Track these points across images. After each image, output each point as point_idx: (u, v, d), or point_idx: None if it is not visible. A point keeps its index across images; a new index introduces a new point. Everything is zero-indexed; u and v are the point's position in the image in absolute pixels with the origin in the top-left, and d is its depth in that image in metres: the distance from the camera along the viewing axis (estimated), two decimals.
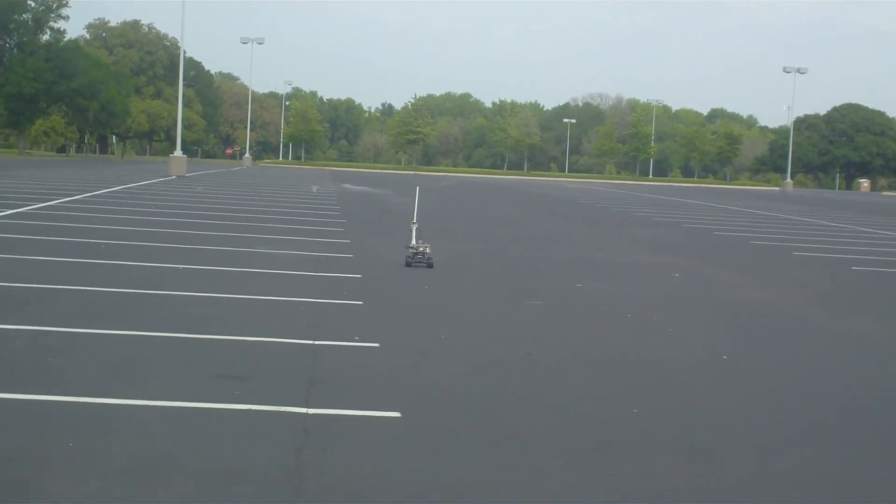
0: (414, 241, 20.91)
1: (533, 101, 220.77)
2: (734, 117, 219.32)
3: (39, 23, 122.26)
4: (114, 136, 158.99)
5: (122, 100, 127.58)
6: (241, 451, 7.82)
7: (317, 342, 12.22)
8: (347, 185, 68.67)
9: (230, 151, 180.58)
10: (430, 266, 20.20)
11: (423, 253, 20.45)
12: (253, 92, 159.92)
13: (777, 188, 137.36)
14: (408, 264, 20.29)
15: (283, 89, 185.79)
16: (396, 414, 9.12)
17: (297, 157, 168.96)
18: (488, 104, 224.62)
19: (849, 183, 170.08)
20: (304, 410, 9.03)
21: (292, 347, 11.93)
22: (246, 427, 8.50)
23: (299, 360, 11.21)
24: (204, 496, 6.83)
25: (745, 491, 7.56)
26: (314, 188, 60.85)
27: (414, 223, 21.53)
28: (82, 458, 7.49)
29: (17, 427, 8.23)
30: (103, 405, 8.96)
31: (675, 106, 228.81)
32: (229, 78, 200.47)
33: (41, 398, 9.08)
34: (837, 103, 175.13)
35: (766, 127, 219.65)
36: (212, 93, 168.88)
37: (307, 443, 8.12)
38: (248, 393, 9.56)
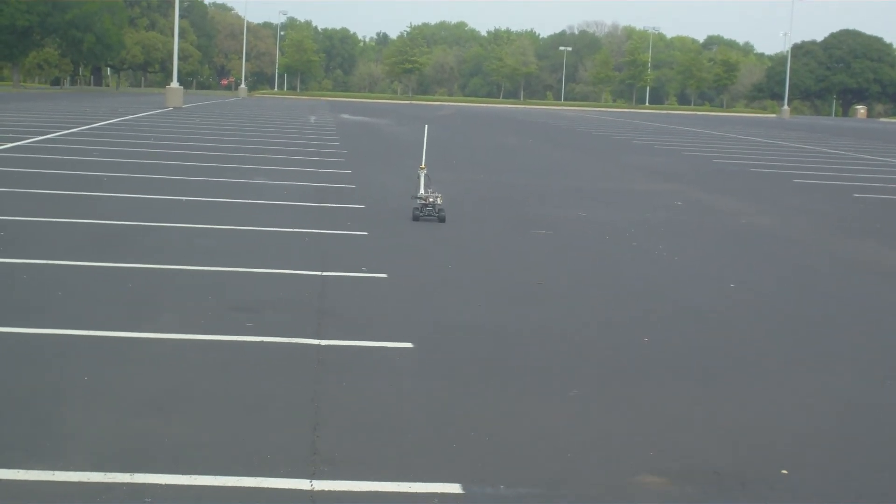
0: (422, 191, 17.57)
1: (529, 29, 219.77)
2: (731, 44, 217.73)
3: None
4: (108, 69, 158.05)
5: (117, 31, 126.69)
6: (258, 383, 7.82)
7: (324, 273, 12.22)
8: (345, 115, 68.45)
9: (225, 82, 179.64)
10: (441, 220, 17.13)
11: (434, 204, 17.28)
12: (248, 22, 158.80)
13: (774, 115, 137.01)
14: (415, 218, 17.18)
15: (277, 19, 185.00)
16: (409, 344, 9.12)
17: (292, 88, 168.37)
18: (484, 33, 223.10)
19: (845, 109, 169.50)
20: (316, 342, 9.04)
21: (300, 279, 11.92)
22: (260, 359, 8.50)
23: (308, 292, 11.20)
24: (223, 428, 6.84)
25: (757, 417, 7.58)
26: (312, 118, 60.66)
27: (422, 168, 18.10)
28: (99, 392, 7.50)
29: (30, 361, 8.23)
30: (115, 338, 8.96)
31: (672, 33, 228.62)
32: (223, 8, 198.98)
33: (52, 332, 9.07)
34: (835, 29, 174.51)
35: (763, 54, 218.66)
36: (206, 24, 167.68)
37: (322, 374, 8.13)
38: (259, 325, 9.56)
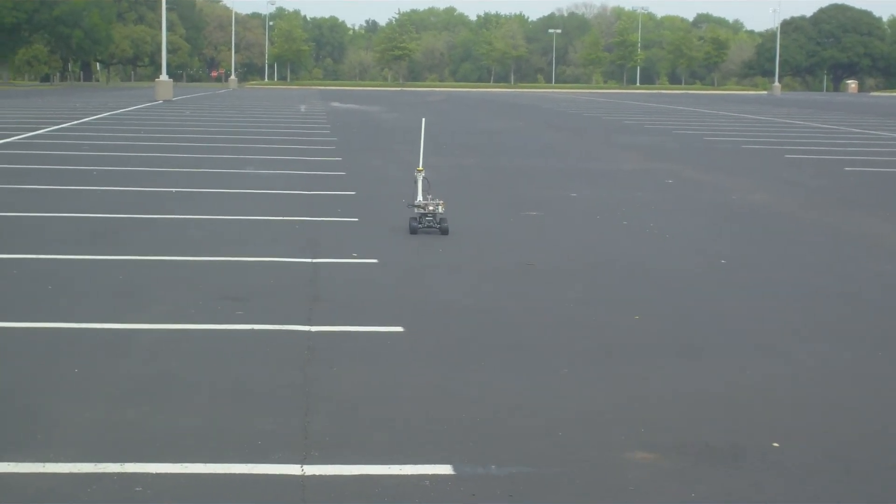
0: (420, 198, 14.54)
1: (518, 12, 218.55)
2: (720, 22, 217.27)
3: None
4: (97, 64, 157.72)
5: (105, 26, 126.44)
6: (248, 370, 7.82)
7: (315, 260, 12.21)
8: (335, 104, 68.31)
9: (215, 74, 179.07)
10: (444, 232, 14.24)
11: (435, 213, 14.30)
12: (236, 13, 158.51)
13: (765, 92, 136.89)
14: (413, 230, 14.24)
15: (266, 9, 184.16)
16: (399, 328, 9.12)
17: (282, 78, 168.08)
18: (473, 17, 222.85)
19: (836, 84, 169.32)
20: (307, 328, 9.04)
21: (291, 266, 11.92)
22: (251, 347, 8.50)
23: (299, 278, 11.20)
24: (214, 416, 6.84)
25: (748, 391, 7.58)
26: (302, 107, 60.56)
27: (420, 170, 15.03)
28: (89, 384, 7.49)
29: (20, 355, 8.22)
30: (106, 330, 8.95)
31: (661, 13, 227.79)
32: (211, 0, 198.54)
33: (42, 325, 9.07)
34: (824, 4, 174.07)
35: (752, 31, 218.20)
36: (194, 15, 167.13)
37: (312, 360, 8.13)
38: (250, 313, 9.55)
